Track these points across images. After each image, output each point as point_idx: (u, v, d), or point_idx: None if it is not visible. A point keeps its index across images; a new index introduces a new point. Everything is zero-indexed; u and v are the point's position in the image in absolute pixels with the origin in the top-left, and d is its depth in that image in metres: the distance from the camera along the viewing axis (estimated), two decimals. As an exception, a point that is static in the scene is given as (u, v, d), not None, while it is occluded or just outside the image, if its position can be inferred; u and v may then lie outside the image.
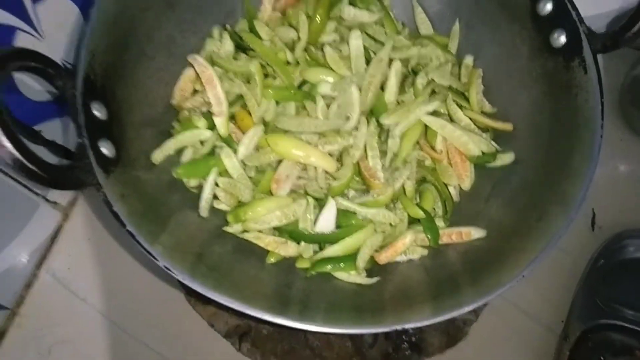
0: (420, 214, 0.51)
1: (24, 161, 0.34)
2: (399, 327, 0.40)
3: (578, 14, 0.48)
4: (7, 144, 0.34)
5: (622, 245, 0.61)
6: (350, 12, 0.57)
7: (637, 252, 0.61)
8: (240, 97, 0.54)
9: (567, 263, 0.63)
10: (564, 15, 0.49)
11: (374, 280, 0.48)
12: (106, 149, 0.42)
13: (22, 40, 0.50)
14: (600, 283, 0.60)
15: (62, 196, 0.62)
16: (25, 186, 0.57)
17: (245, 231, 0.50)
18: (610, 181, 0.68)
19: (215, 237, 0.49)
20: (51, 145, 0.57)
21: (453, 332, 0.60)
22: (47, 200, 0.61)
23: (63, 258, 0.61)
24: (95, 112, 0.42)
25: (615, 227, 0.64)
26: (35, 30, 0.51)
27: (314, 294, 0.47)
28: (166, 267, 0.39)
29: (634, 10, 0.45)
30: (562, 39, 0.49)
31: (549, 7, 0.50)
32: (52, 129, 0.57)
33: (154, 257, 0.38)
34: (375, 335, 0.59)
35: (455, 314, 0.41)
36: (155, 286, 0.60)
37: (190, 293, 0.59)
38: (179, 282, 0.41)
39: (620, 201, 0.67)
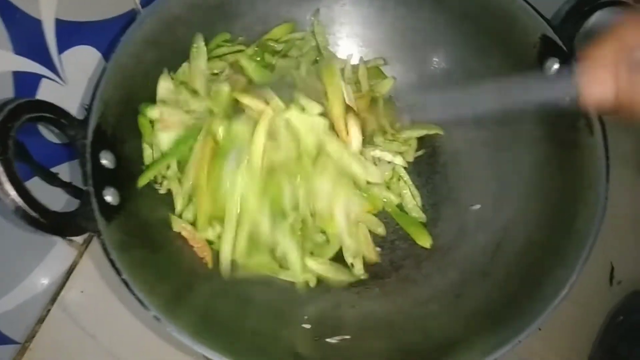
0: None
1: (27, 208, 0.36)
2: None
3: (584, 74, 0.48)
4: (12, 192, 0.35)
5: (643, 302, 0.59)
6: None
7: (658, 310, 0.59)
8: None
9: (584, 317, 0.60)
10: (570, 75, 0.48)
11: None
12: (110, 196, 0.43)
13: (46, 87, 0.51)
14: (619, 340, 0.58)
15: (78, 233, 0.64)
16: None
17: None
18: (630, 234, 0.65)
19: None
20: (68, 187, 0.58)
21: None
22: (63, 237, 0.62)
23: (76, 294, 0.62)
24: (104, 161, 0.44)
25: (635, 281, 0.61)
26: (59, 77, 0.52)
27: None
28: (156, 317, 0.39)
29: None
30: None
31: (555, 66, 0.50)
32: (70, 170, 0.59)
33: (146, 307, 0.39)
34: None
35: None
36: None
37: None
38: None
39: (640, 255, 0.64)
